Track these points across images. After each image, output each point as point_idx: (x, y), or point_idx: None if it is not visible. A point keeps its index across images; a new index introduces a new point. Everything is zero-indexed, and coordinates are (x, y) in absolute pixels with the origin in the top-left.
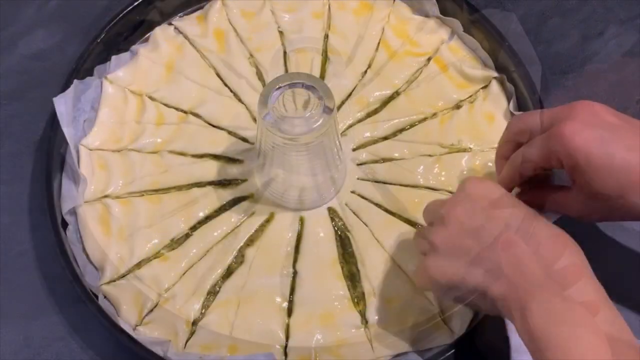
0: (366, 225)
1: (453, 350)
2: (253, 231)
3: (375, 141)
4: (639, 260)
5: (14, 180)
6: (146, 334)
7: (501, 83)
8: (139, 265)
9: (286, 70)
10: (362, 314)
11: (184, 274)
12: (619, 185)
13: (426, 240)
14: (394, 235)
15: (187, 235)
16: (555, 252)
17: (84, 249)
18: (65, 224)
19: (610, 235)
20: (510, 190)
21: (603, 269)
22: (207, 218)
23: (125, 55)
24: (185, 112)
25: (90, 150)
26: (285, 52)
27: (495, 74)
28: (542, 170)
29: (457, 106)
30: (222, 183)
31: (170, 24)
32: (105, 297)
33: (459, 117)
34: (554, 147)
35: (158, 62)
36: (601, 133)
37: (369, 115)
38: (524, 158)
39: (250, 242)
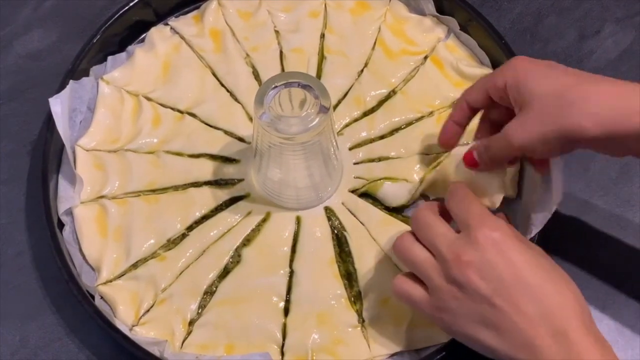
0: (363, 225)
1: (449, 349)
2: (249, 231)
3: (371, 140)
4: (636, 257)
5: (11, 180)
6: (143, 334)
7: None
8: (135, 265)
9: (282, 70)
10: (359, 313)
11: (180, 274)
12: (555, 86)
13: (432, 285)
14: (391, 235)
15: (183, 235)
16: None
17: (80, 250)
18: (61, 225)
19: (608, 233)
20: (455, 131)
21: (600, 266)
22: (204, 218)
23: (121, 56)
24: (181, 112)
25: (87, 150)
26: (281, 52)
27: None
28: (489, 100)
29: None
30: (218, 183)
31: (166, 24)
32: (101, 297)
33: None
34: (502, 68)
35: (154, 62)
36: (549, 63)
37: (365, 114)
38: (474, 84)
39: (246, 241)
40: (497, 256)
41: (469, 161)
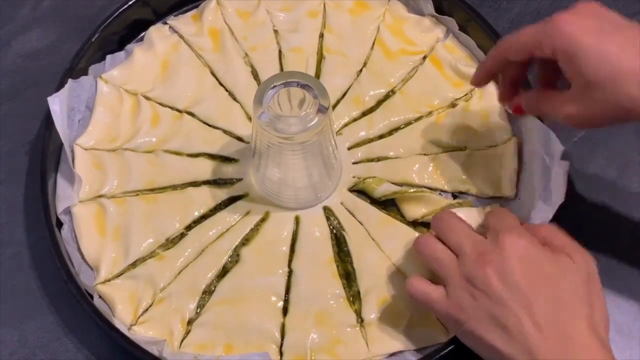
0: (362, 224)
1: (448, 349)
2: (248, 230)
3: (370, 140)
4: (635, 257)
5: (9, 180)
6: (141, 334)
7: (497, 81)
8: (134, 264)
9: (281, 69)
10: (358, 313)
11: (179, 273)
12: (612, 72)
13: (451, 281)
14: (390, 234)
15: (182, 235)
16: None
17: (79, 249)
18: (60, 224)
19: (608, 233)
20: (487, 78)
21: (599, 266)
22: (203, 217)
23: (120, 55)
24: (180, 111)
25: (85, 149)
26: (280, 51)
27: None
28: (528, 58)
29: (453, 105)
30: (217, 182)
31: (165, 23)
32: (100, 296)
33: (455, 115)
34: (549, 31)
35: (153, 61)
36: (600, 24)
37: (364, 114)
38: (514, 38)
39: (245, 241)
40: (519, 264)
41: (516, 110)
